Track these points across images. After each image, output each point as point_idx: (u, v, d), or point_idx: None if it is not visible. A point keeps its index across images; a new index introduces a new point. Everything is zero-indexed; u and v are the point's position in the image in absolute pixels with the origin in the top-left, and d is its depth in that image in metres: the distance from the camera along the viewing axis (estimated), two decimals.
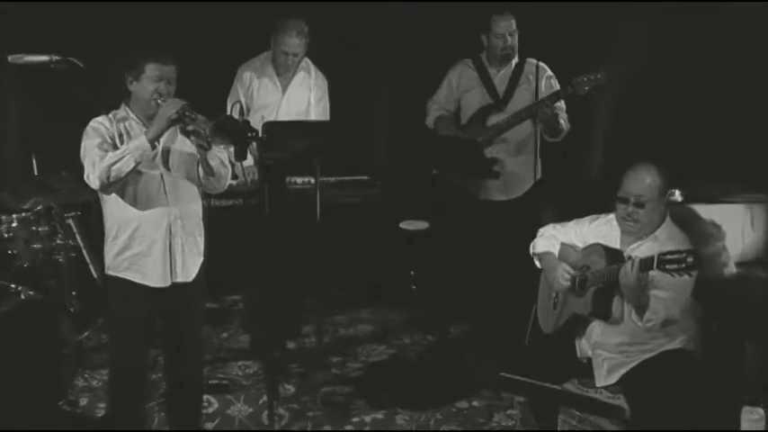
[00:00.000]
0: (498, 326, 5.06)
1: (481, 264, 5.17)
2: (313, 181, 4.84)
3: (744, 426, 2.90)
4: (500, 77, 5.14)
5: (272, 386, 4.31)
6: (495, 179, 5.00)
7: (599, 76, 4.75)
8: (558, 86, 5.01)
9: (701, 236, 4.76)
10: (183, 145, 3.76)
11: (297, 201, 5.02)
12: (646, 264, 3.51)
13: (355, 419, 4.42)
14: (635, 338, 3.77)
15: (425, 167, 4.98)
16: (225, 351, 5.22)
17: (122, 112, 3.76)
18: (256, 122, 4.38)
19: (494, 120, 5.07)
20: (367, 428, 4.35)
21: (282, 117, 5.18)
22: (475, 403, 4.57)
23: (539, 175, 5.20)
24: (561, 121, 5.01)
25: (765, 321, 4.39)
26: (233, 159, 3.79)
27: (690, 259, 3.37)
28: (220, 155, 3.80)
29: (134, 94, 3.72)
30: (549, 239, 4.05)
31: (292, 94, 5.26)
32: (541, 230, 4.11)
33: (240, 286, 5.64)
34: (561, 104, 5.01)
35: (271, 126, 4.77)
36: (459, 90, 5.21)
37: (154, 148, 3.61)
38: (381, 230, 5.80)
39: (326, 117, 5.26)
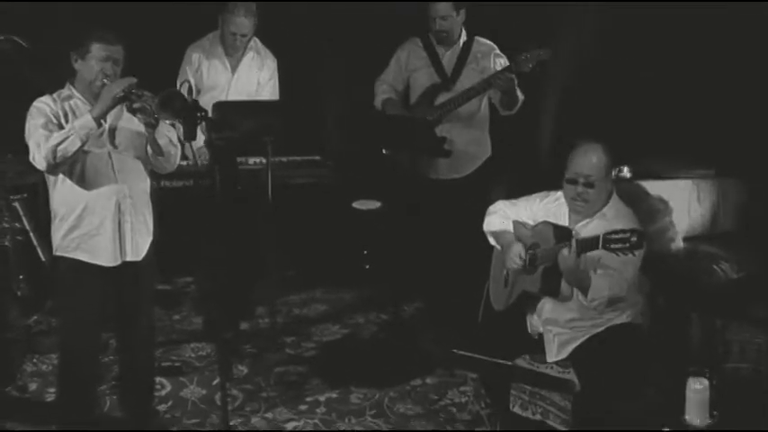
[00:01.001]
0: (451, 303, 5.09)
1: (433, 242, 5.19)
2: (264, 161, 4.82)
3: (688, 395, 2.98)
4: (448, 57, 5.11)
5: (226, 367, 4.30)
6: (446, 157, 4.99)
7: (542, 52, 4.70)
8: (507, 63, 5.01)
9: (649, 212, 4.83)
10: (131, 123, 3.72)
11: (248, 181, 4.98)
12: (591, 243, 3.52)
13: (309, 399, 4.42)
14: (585, 314, 3.81)
15: (376, 147, 4.98)
16: (177, 333, 5.18)
17: (67, 90, 3.71)
18: (206, 104, 4.33)
19: (442, 99, 5.05)
20: (322, 408, 4.36)
21: (232, 98, 5.13)
22: (428, 380, 4.60)
23: (489, 153, 5.23)
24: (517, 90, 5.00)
25: (710, 295, 4.49)
26: (183, 139, 3.76)
27: (634, 238, 3.40)
28: (169, 134, 3.76)
29: (79, 74, 3.68)
30: (503, 217, 4.06)
31: (242, 75, 5.22)
32: (492, 207, 4.12)
33: (192, 268, 5.61)
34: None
35: (221, 106, 4.73)
36: (408, 69, 5.17)
37: (100, 126, 3.57)
38: (334, 210, 5.80)
39: (276, 97, 5.23)
